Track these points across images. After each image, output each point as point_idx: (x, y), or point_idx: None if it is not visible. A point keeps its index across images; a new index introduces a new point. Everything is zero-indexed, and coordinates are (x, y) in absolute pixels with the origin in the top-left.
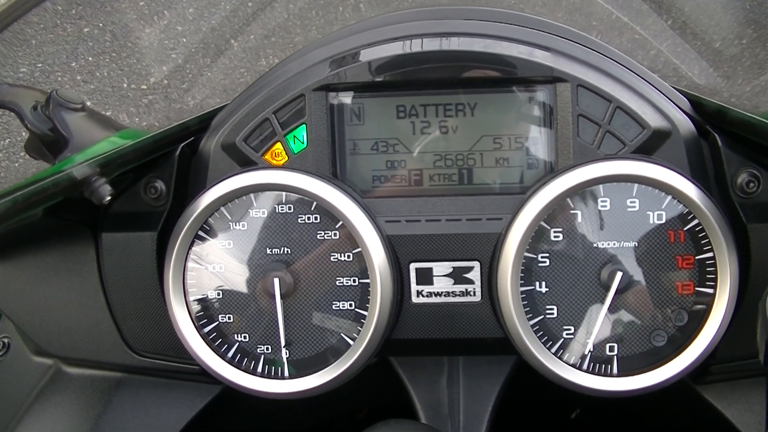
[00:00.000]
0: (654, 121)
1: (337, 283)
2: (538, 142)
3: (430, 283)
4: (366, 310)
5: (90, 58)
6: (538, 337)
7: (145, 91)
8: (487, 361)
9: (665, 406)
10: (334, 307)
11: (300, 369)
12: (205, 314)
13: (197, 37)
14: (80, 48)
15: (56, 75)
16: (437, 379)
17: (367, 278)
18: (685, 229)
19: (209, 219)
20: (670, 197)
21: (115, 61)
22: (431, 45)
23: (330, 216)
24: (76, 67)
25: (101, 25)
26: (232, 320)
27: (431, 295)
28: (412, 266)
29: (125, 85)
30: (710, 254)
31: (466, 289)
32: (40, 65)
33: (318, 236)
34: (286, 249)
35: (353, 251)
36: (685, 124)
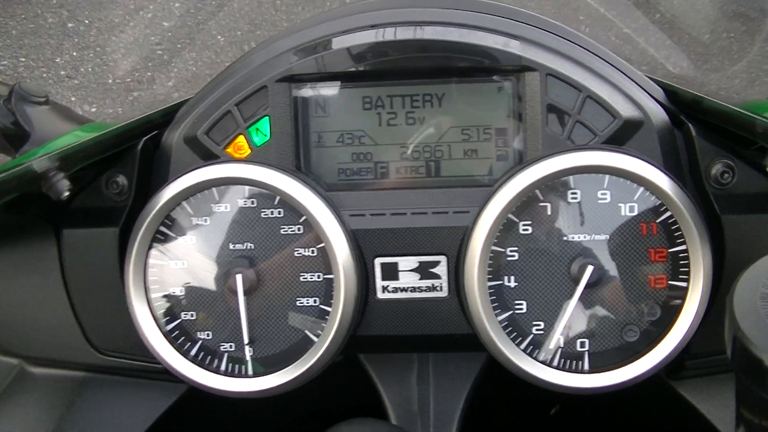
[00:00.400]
0: (625, 110)
1: (301, 278)
2: (508, 133)
3: (396, 278)
4: (331, 307)
5: (75, 54)
6: (506, 333)
7: (130, 85)
8: (458, 357)
9: (643, 401)
10: (298, 303)
11: (265, 367)
12: (167, 311)
13: (183, 31)
14: (65, 44)
15: (41, 71)
16: (407, 376)
17: (332, 274)
18: (657, 221)
19: (171, 214)
20: (642, 189)
21: (100, 56)
22: (404, 34)
23: (293, 210)
24: (60, 63)
25: (87, 21)
26: (195, 317)
27: (397, 291)
28: (377, 261)
29: (110, 80)
30: (683, 247)
31: (433, 285)
32: (23, 59)
33: (281, 231)
34: (249, 244)
35: (317, 246)
36: (658, 114)
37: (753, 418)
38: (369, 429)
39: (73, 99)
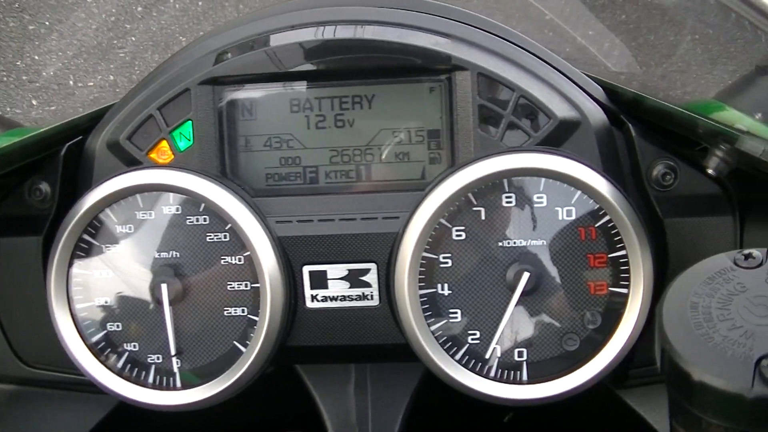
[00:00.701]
0: (561, 110)
1: (228, 288)
2: (441, 135)
3: (325, 286)
4: (258, 316)
5: (36, 57)
6: (441, 343)
7: (92, 89)
8: (397, 366)
9: (594, 410)
10: (225, 313)
11: (194, 379)
12: (92, 323)
13: (146, 35)
14: (26, 47)
15: (1, 74)
16: (344, 386)
17: (259, 283)
18: (596, 225)
19: (95, 222)
20: (579, 192)
21: (62, 60)
22: (328, 34)
23: (219, 217)
24: (21, 66)
25: (48, 24)
26: (121, 328)
27: (327, 300)
28: (306, 269)
29: (71, 83)
30: (623, 252)
31: (363, 293)
32: None
33: (207, 239)
34: (174, 252)
35: (244, 254)
36: (596, 114)
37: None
38: None
39: (35, 102)
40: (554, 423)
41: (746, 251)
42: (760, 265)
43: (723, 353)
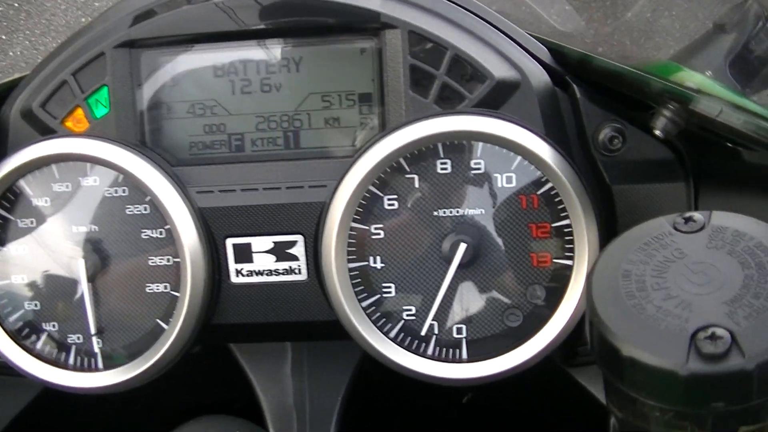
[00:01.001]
0: (499, 70)
1: (149, 263)
2: (372, 98)
3: (250, 260)
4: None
5: (3, 36)
6: (373, 320)
7: None
8: (336, 345)
9: (549, 389)
10: (147, 289)
11: (117, 360)
12: (9, 302)
13: None
14: None
15: None
16: (281, 367)
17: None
18: (538, 193)
19: (9, 195)
20: (519, 158)
21: (29, 39)
22: None
23: (138, 189)
24: None
25: (16, 5)
26: (39, 308)
27: (252, 274)
28: (229, 242)
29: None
30: (567, 221)
31: (290, 267)
32: None
33: (127, 212)
34: (93, 227)
35: (165, 227)
36: (537, 74)
37: (618, 413)
38: (218, 427)
39: None
40: (512, 403)
41: (687, 214)
42: (701, 229)
43: (656, 326)
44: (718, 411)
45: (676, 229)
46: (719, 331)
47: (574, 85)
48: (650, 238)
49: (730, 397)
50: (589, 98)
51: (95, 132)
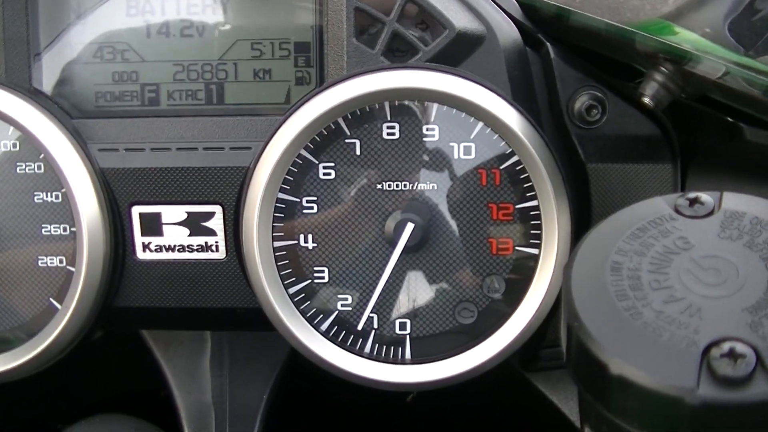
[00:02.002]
0: (460, 20)
1: (43, 231)
2: (309, 48)
3: (159, 233)
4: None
5: None
6: (302, 310)
7: None
8: (261, 335)
9: (503, 394)
10: (40, 263)
11: (5, 344)
12: None
13: None
14: None
15: None
16: (198, 359)
17: None
18: (501, 167)
19: None
20: (481, 124)
21: None
22: None
23: (30, 144)
24: None
25: None
26: None
27: (161, 250)
28: (135, 210)
29: None
30: (534, 203)
31: (207, 243)
32: None
33: (18, 170)
34: None
35: (61, 190)
36: (505, 29)
37: None
38: (112, 427)
39: None
40: (460, 406)
41: (692, 194)
42: (711, 213)
43: (656, 337)
44: None
45: (678, 212)
46: (740, 347)
47: (548, 44)
48: (646, 222)
49: None
50: (565, 60)
51: None
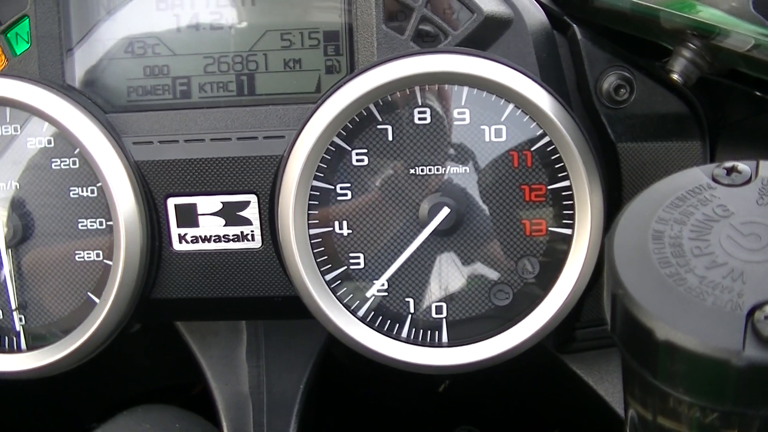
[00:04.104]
0: (488, 4)
1: (80, 226)
2: (338, 36)
3: (195, 224)
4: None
5: None
6: (339, 297)
7: None
8: (297, 323)
9: (537, 379)
10: (77, 258)
11: (43, 339)
12: None
13: None
14: None
15: None
16: (234, 349)
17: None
18: (532, 149)
19: None
20: (511, 106)
21: None
22: None
23: (65, 139)
24: None
25: None
26: None
27: (197, 241)
28: (170, 202)
29: None
30: (566, 183)
31: (242, 232)
32: None
33: (53, 166)
34: (13, 183)
35: (97, 185)
36: (532, 12)
37: (642, 410)
38: (154, 418)
39: None
40: (493, 394)
41: (729, 164)
42: (748, 181)
43: (700, 301)
44: None
45: (716, 181)
46: None
47: (574, 26)
48: (685, 192)
49: None
50: (592, 41)
51: (14, 71)
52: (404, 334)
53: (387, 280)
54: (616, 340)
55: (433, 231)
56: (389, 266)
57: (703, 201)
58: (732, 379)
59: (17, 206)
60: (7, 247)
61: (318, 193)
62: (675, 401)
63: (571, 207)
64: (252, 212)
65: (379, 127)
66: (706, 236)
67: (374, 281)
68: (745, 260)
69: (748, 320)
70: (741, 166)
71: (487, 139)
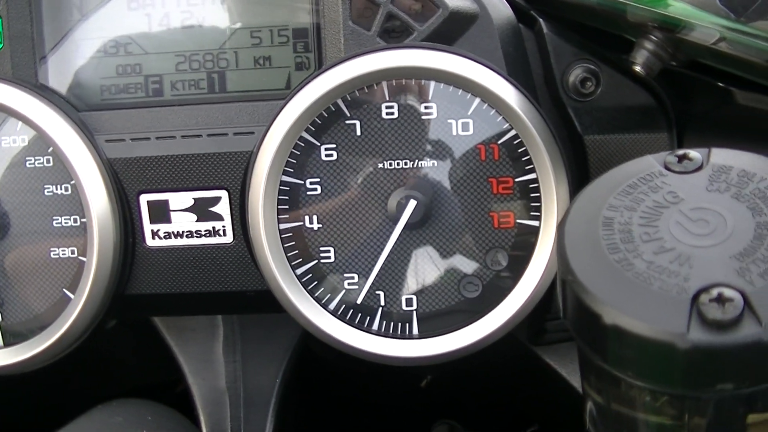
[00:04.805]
0: (454, 0)
1: (54, 224)
2: (307, 34)
3: (168, 220)
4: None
5: None
6: (310, 290)
7: None
8: (273, 318)
9: (516, 373)
10: (52, 254)
11: (19, 336)
12: None
13: None
14: None
15: None
16: (212, 344)
17: None
18: (500, 142)
19: None
20: (478, 100)
21: None
22: None
23: (39, 138)
24: None
25: None
26: None
27: (170, 236)
28: (143, 199)
29: None
30: (533, 176)
31: (214, 228)
32: None
33: (27, 164)
34: None
35: (70, 182)
36: (498, 6)
37: (597, 397)
38: (127, 411)
39: None
40: (473, 390)
41: (680, 151)
42: (699, 168)
43: (647, 286)
44: (723, 395)
45: (667, 168)
46: (728, 292)
47: (541, 20)
48: (636, 179)
49: (741, 377)
50: (558, 35)
51: None
52: (375, 326)
53: (358, 274)
54: (568, 326)
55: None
56: (359, 260)
57: (653, 188)
58: (678, 361)
59: None
60: None
61: (288, 188)
62: (626, 386)
63: (538, 199)
64: (223, 208)
65: (347, 122)
66: (656, 222)
67: (345, 275)
68: (692, 245)
69: (694, 304)
70: (692, 153)
71: (454, 133)
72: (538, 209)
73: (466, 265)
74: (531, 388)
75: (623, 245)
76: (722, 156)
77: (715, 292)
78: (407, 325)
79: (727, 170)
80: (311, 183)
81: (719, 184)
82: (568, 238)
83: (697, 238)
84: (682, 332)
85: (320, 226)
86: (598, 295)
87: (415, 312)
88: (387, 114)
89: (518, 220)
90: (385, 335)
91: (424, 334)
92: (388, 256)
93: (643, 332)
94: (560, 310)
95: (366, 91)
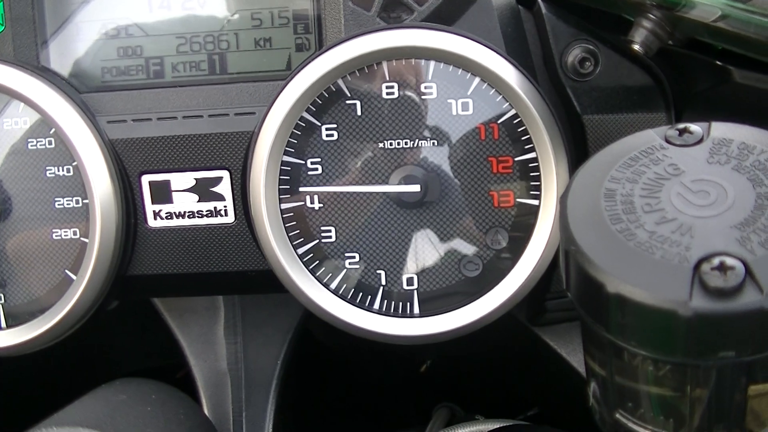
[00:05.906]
0: None
1: (56, 205)
2: (308, 15)
3: (169, 200)
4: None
5: None
6: (311, 270)
7: None
8: (274, 299)
9: (515, 353)
10: (55, 236)
11: (22, 317)
12: None
13: None
14: None
15: None
16: (212, 326)
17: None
18: (499, 122)
19: None
20: (477, 80)
21: None
22: None
23: (41, 119)
24: None
25: None
26: None
27: (172, 217)
28: (144, 179)
29: None
30: (533, 155)
31: (216, 208)
32: None
33: (29, 146)
34: None
35: (72, 164)
36: None
37: (600, 370)
38: (132, 390)
39: None
40: (474, 373)
41: (681, 125)
42: (700, 141)
43: (649, 255)
44: (725, 363)
45: (668, 142)
46: (729, 261)
47: (539, 1)
48: (637, 152)
49: (742, 345)
50: (557, 16)
51: None
52: (376, 306)
53: (359, 253)
54: (570, 297)
55: (403, 203)
56: (360, 239)
57: (655, 160)
58: (680, 329)
59: None
60: None
61: (289, 168)
62: (629, 356)
63: (538, 178)
64: (225, 188)
65: (347, 102)
66: (657, 194)
67: (346, 254)
68: (693, 215)
69: (695, 272)
70: (693, 127)
71: (454, 113)
72: (538, 188)
73: (466, 244)
74: (531, 372)
75: (625, 216)
76: (722, 129)
77: (716, 260)
78: (408, 304)
79: (728, 143)
80: (312, 163)
81: (720, 156)
82: (571, 209)
83: (699, 208)
84: (685, 300)
85: (321, 205)
86: (601, 264)
87: (416, 291)
88: (387, 94)
89: (518, 199)
90: (387, 314)
91: (425, 313)
92: (389, 235)
93: (645, 300)
94: (560, 290)
95: (366, 71)
